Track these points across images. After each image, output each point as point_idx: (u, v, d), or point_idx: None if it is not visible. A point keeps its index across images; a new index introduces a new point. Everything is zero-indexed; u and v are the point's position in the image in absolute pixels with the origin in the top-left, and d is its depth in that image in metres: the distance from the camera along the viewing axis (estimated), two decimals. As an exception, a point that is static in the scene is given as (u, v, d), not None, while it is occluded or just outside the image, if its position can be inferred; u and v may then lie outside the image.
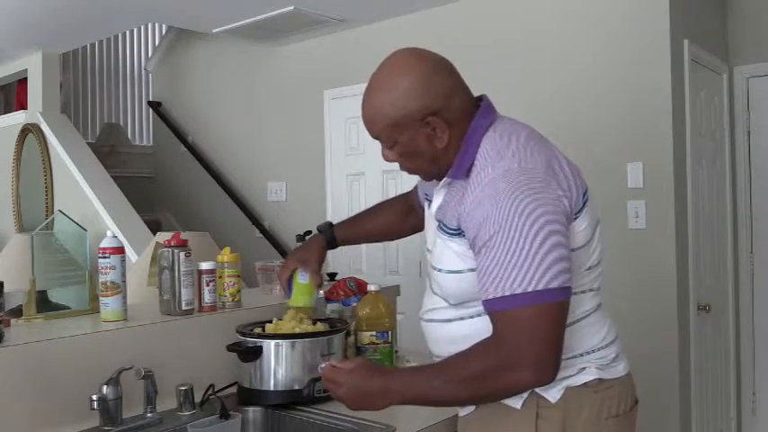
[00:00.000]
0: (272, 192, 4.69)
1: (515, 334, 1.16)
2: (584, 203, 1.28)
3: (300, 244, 1.96)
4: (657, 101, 3.03)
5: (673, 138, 3.01)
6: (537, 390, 1.28)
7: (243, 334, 1.80)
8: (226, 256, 2.00)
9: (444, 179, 1.35)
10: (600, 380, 1.32)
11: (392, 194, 4.13)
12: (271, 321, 1.83)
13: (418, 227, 1.75)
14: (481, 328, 1.26)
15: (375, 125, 1.32)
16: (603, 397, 1.32)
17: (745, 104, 3.69)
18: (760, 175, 3.67)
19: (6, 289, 1.61)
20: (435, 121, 1.28)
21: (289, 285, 1.80)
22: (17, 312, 1.82)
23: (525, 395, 1.29)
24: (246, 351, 1.75)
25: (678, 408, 2.98)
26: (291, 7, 3.66)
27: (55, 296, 1.97)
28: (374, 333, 1.91)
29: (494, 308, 1.19)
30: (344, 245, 1.86)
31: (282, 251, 4.44)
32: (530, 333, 1.15)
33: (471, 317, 1.33)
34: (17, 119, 4.93)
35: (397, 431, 1.59)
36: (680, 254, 3.04)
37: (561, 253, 1.17)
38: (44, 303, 1.88)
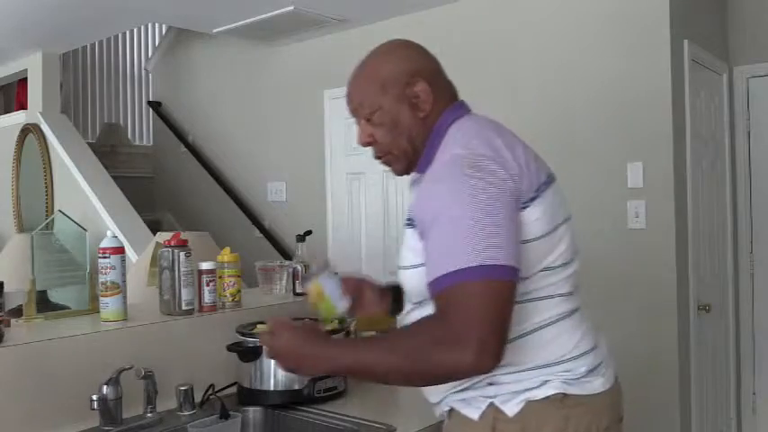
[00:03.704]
0: (272, 192, 4.69)
1: (457, 311, 1.09)
2: (539, 193, 1.22)
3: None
4: (657, 101, 3.03)
5: (673, 138, 3.01)
6: (495, 402, 1.22)
7: (243, 334, 1.80)
8: (226, 256, 2.00)
9: (413, 174, 1.35)
10: (564, 395, 1.21)
11: (392, 195, 4.18)
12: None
13: None
14: None
15: (361, 89, 1.33)
16: (569, 415, 1.21)
17: (745, 104, 3.69)
18: (760, 175, 3.67)
19: (6, 289, 1.62)
20: (422, 87, 1.29)
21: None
22: (17, 312, 1.82)
23: (483, 407, 1.23)
24: (246, 351, 1.75)
25: (678, 408, 2.98)
26: (291, 7, 3.66)
27: (55, 296, 1.97)
28: (374, 333, 1.91)
29: (436, 288, 1.12)
30: None
31: (282, 251, 4.45)
32: (472, 310, 1.07)
33: None
34: (17, 119, 4.93)
35: (397, 431, 1.59)
36: (680, 254, 3.04)
37: (504, 231, 1.11)
38: (44, 303, 1.88)
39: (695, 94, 3.25)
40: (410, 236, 1.25)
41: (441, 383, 1.22)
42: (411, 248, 1.25)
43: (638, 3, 3.11)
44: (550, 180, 1.28)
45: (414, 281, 1.26)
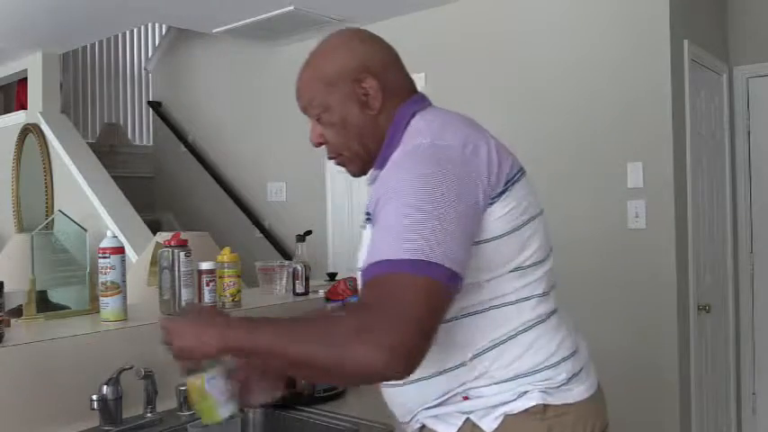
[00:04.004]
0: (272, 192, 4.69)
1: (385, 301, 0.97)
2: (508, 187, 1.13)
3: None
4: (657, 101, 3.03)
5: (673, 138, 3.01)
6: (472, 417, 1.13)
7: (243, 334, 1.79)
8: (226, 256, 2.00)
9: (371, 171, 1.26)
10: (545, 406, 1.12)
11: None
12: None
13: None
14: None
15: (308, 87, 1.25)
16: (551, 425, 1.12)
17: (745, 104, 3.69)
18: (760, 175, 3.67)
19: (6, 289, 1.62)
20: (370, 84, 1.20)
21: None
22: (17, 312, 1.82)
23: (460, 423, 1.14)
24: (246, 351, 1.74)
25: (678, 408, 2.98)
26: (291, 7, 3.67)
27: (55, 296, 1.97)
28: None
29: (369, 274, 1.01)
30: None
31: (282, 251, 4.45)
32: (401, 305, 0.96)
33: None
34: (17, 119, 4.94)
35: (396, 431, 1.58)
36: (680, 254, 3.04)
37: (457, 233, 1.02)
38: (44, 303, 1.88)
39: (695, 94, 3.25)
40: (368, 235, 1.14)
41: (348, 382, 1.10)
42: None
43: (638, 3, 3.11)
44: (520, 174, 1.18)
45: None
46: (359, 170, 1.29)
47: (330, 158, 1.29)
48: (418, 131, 1.16)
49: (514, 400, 1.12)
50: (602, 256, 3.16)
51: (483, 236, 1.10)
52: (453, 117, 1.21)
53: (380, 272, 1.00)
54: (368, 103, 1.21)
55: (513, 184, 1.14)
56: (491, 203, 1.10)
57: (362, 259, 1.13)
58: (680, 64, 3.11)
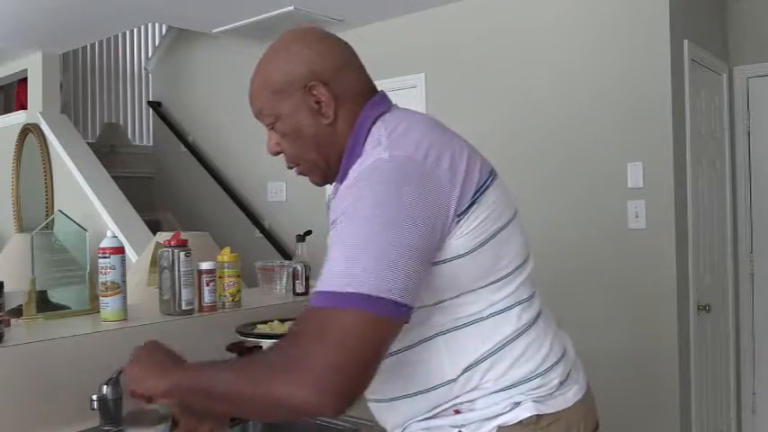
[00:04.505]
0: (272, 192, 4.69)
1: (309, 335, 0.94)
2: (478, 197, 1.06)
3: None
4: (657, 101, 3.03)
5: (673, 138, 3.01)
6: (464, 431, 1.10)
7: (243, 334, 1.80)
8: (226, 256, 2.00)
9: (334, 185, 1.17)
10: (538, 416, 1.09)
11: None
12: (272, 321, 1.84)
13: None
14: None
15: (258, 95, 1.18)
16: None
17: (745, 104, 3.69)
18: (760, 175, 3.67)
19: (6, 289, 1.61)
20: (320, 91, 1.12)
21: None
22: (17, 312, 1.81)
23: None
24: (246, 351, 1.75)
25: (678, 408, 2.98)
26: (291, 7, 3.67)
27: (55, 296, 1.97)
28: None
29: (310, 302, 0.98)
30: None
31: (282, 251, 4.44)
32: (328, 341, 0.92)
33: None
34: (17, 119, 4.94)
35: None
36: (680, 254, 3.04)
37: (412, 259, 0.96)
38: (44, 303, 1.88)
39: (695, 93, 3.25)
40: None
41: (278, 418, 1.07)
42: None
43: (639, 3, 3.11)
44: (491, 179, 1.11)
45: None
46: (321, 180, 1.22)
47: (289, 168, 1.22)
48: (378, 142, 1.09)
49: (508, 411, 1.09)
50: (602, 256, 3.16)
51: (449, 254, 1.04)
52: (417, 121, 1.13)
53: (320, 305, 0.96)
54: (321, 112, 1.14)
55: (482, 193, 1.07)
56: (457, 220, 1.03)
57: None
58: (680, 64, 3.11)
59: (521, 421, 1.08)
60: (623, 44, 3.14)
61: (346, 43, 1.20)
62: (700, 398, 3.20)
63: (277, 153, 1.21)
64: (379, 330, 0.95)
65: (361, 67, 1.19)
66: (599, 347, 2.98)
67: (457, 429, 1.11)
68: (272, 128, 1.18)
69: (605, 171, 3.17)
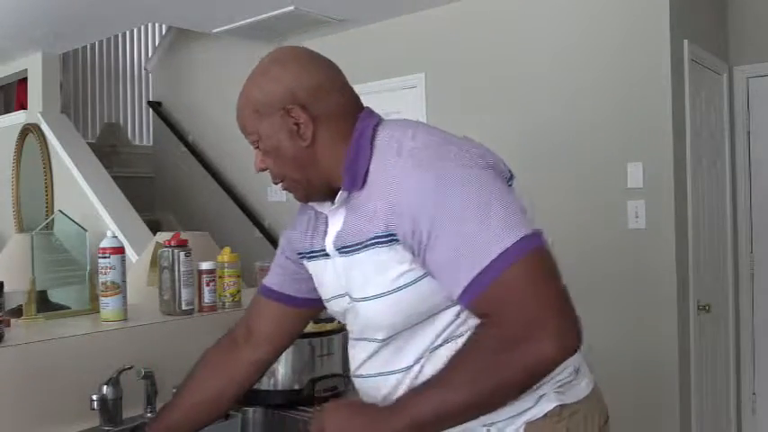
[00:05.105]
0: (272, 192, 4.69)
1: (512, 302, 0.98)
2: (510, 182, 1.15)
3: None
4: (657, 101, 3.03)
5: (673, 138, 3.01)
6: (493, 431, 1.11)
7: (243, 334, 1.79)
8: (226, 256, 2.00)
9: (340, 194, 1.14)
10: (561, 406, 1.12)
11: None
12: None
13: (263, 359, 1.44)
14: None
15: (241, 113, 1.20)
16: (568, 425, 1.13)
17: (745, 104, 3.69)
18: (760, 175, 3.67)
19: (6, 289, 1.61)
20: (298, 114, 1.12)
21: None
22: (17, 312, 1.82)
23: None
24: (246, 351, 1.74)
25: (678, 408, 2.98)
26: (291, 7, 3.67)
27: (55, 296, 1.97)
28: None
29: (475, 293, 0.99)
30: None
31: (282, 251, 4.44)
32: (528, 292, 0.97)
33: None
34: (17, 119, 4.94)
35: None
36: (680, 254, 3.04)
37: (510, 201, 1.03)
38: (44, 303, 1.88)
39: (695, 93, 3.25)
40: (372, 257, 1.09)
41: (533, 385, 1.05)
42: (382, 271, 1.09)
43: (639, 3, 3.11)
44: (512, 177, 1.17)
45: (383, 313, 1.11)
46: (303, 198, 1.26)
47: (275, 184, 1.25)
48: (395, 141, 1.11)
49: (534, 406, 1.11)
50: (603, 256, 3.16)
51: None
52: (418, 122, 1.18)
53: (487, 282, 0.98)
54: (299, 133, 1.14)
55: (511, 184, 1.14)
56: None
57: (369, 283, 1.11)
58: (680, 64, 3.11)
59: (546, 414, 1.11)
60: (623, 44, 3.14)
61: (330, 63, 1.20)
62: (700, 398, 3.20)
63: (262, 170, 1.24)
64: (549, 258, 1.02)
65: (344, 87, 1.19)
66: (599, 347, 2.97)
67: (486, 428, 1.12)
68: (257, 146, 1.21)
69: (605, 171, 3.17)
